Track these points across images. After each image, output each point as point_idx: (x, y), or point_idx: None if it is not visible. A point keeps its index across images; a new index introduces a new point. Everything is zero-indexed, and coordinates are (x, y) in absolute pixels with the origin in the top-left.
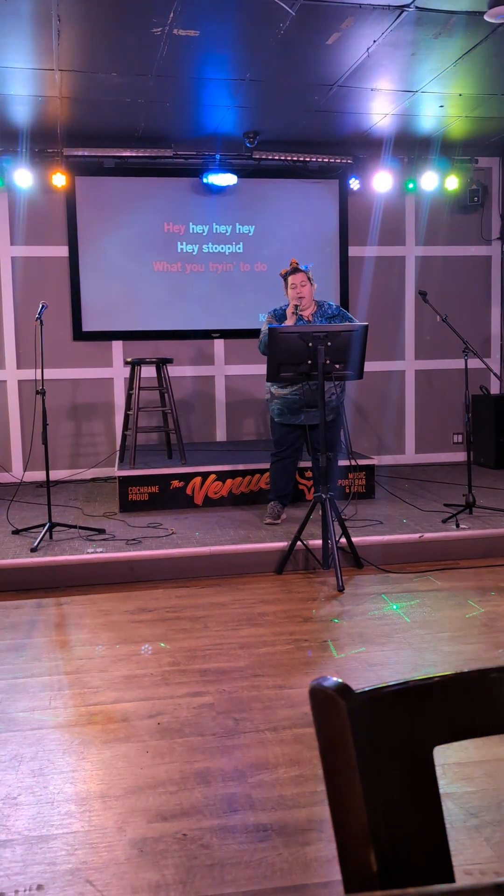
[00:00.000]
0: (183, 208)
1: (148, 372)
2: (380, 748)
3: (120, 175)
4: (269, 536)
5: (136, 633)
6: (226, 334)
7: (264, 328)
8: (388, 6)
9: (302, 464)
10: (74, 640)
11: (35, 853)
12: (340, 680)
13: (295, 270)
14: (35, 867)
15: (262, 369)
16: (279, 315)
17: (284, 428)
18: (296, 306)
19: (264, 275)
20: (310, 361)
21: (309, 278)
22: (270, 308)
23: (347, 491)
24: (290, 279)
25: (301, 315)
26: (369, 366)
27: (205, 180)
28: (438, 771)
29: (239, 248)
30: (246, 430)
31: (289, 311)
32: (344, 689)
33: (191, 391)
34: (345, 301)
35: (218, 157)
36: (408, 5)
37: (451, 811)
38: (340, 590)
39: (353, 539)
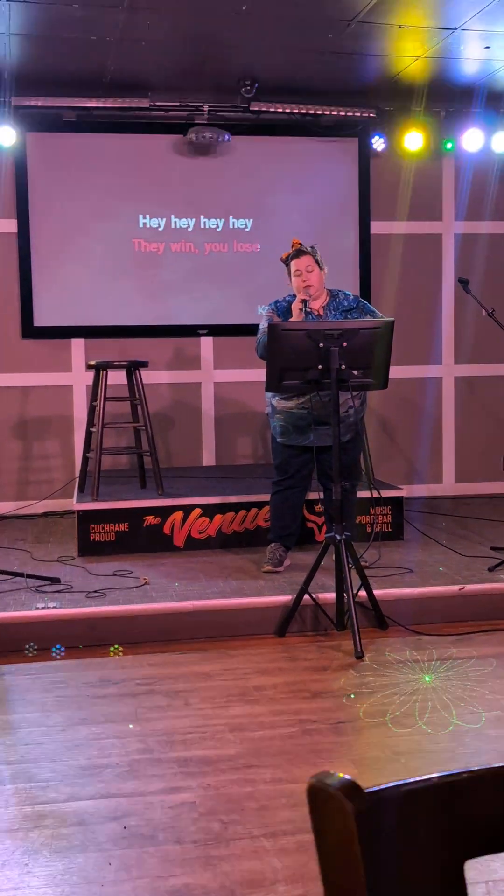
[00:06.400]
0: (163, 173)
1: (116, 378)
2: (397, 863)
3: (83, 131)
4: (269, 588)
5: (98, 711)
6: (216, 331)
7: (263, 325)
8: None
9: (312, 495)
10: (19, 720)
11: None
12: (347, 776)
13: (298, 253)
14: None
15: (261, 375)
16: (282, 309)
17: (289, 450)
18: (304, 301)
19: (265, 257)
20: (321, 366)
21: (317, 261)
22: (272, 299)
23: (369, 530)
24: (294, 264)
25: (309, 309)
26: (396, 371)
27: (190, 138)
28: (480, 890)
29: (233, 224)
30: (241, 451)
31: (295, 307)
32: (351, 788)
33: (171, 402)
34: (366, 289)
35: (206, 108)
36: None
37: None
38: (359, 657)
39: (376, 592)
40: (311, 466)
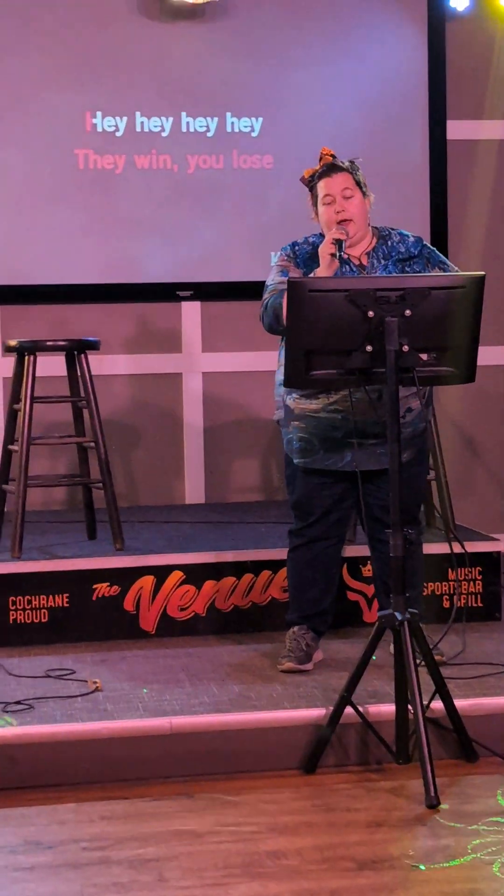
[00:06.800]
0: (124, 47)
1: (51, 367)
2: None
3: None
4: (291, 697)
5: (23, 891)
6: (205, 293)
7: (273, 279)
8: None
9: (353, 550)
10: None
11: None
12: None
13: (330, 169)
14: None
15: (272, 360)
16: (304, 255)
17: (313, 479)
18: (338, 241)
19: (281, 176)
20: (370, 348)
21: (358, 183)
22: (287, 242)
23: (447, 606)
24: (323, 186)
25: (346, 255)
26: (487, 356)
27: None
28: None
29: (233, 125)
30: (244, 482)
31: (324, 251)
32: None
33: (136, 405)
34: (439, 228)
35: None
36: None
37: None
38: (432, 806)
39: (459, 703)
40: (351, 505)
